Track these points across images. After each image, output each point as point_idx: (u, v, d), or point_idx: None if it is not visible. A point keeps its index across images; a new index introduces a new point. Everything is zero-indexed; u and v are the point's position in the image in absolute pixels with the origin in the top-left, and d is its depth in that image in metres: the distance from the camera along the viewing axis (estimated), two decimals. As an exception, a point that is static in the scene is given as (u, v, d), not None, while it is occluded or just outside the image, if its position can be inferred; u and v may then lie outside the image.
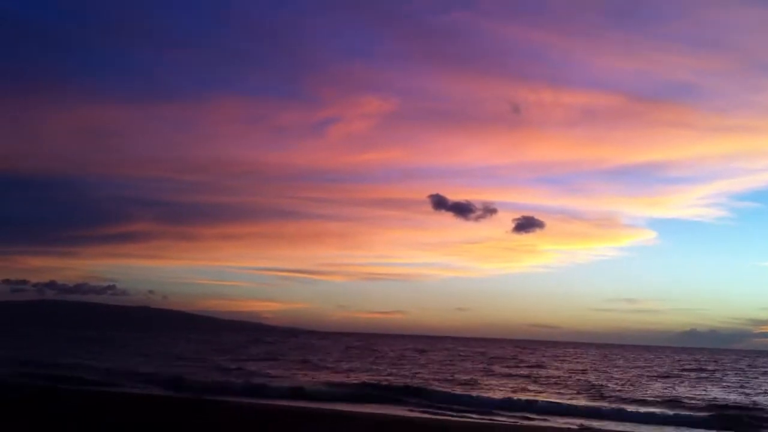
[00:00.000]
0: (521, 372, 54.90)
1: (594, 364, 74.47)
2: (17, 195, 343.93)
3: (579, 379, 49.09)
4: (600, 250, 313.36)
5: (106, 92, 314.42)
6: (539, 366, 63.61)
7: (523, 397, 35.51)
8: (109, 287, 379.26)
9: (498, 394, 36.67)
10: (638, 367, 72.27)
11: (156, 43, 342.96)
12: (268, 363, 55.67)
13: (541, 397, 35.81)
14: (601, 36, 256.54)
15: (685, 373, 63.33)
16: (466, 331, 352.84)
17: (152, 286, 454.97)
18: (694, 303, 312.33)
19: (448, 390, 37.83)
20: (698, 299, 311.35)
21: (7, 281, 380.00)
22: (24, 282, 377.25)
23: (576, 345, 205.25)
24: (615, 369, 65.49)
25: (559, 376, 50.91)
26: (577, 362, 76.16)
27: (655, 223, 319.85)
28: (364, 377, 44.10)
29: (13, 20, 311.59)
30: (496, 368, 58.67)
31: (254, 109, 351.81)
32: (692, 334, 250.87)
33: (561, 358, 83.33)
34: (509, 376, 50.66)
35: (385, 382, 40.57)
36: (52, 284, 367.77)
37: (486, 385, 42.63)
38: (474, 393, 36.72)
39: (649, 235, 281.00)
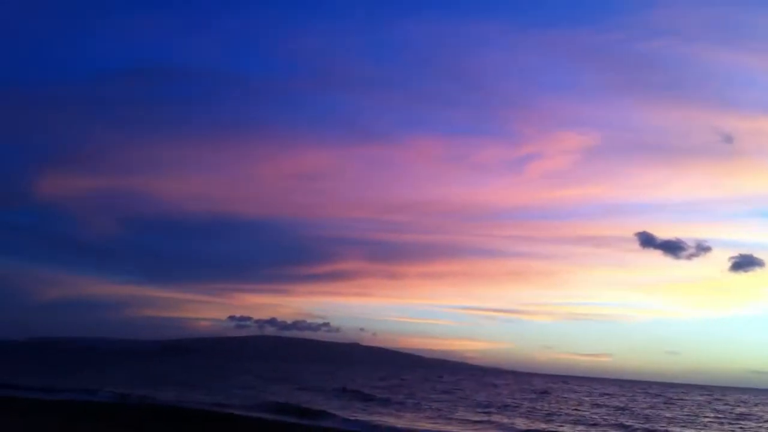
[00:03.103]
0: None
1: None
2: (239, 236, 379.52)
3: None
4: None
5: (313, 137, 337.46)
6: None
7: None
8: (324, 324, 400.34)
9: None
10: None
11: (357, 88, 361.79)
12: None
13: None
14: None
15: None
16: (677, 376, 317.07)
17: (361, 324, 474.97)
18: None
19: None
20: None
21: (232, 317, 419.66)
22: (248, 318, 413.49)
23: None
24: None
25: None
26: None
27: None
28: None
29: (227, 75, 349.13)
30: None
31: (453, 148, 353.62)
32: None
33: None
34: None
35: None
36: (272, 321, 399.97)
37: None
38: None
39: None
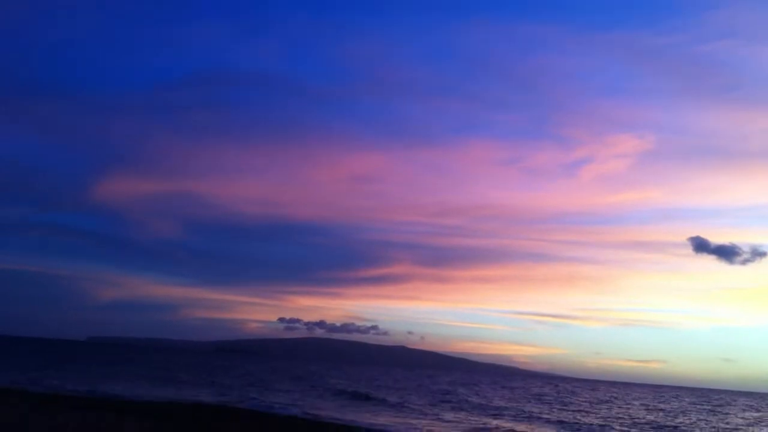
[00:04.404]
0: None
1: None
2: (292, 239, 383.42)
3: None
4: None
5: (368, 142, 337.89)
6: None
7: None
8: (372, 327, 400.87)
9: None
10: None
11: (412, 92, 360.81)
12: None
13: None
14: None
15: None
16: (734, 383, 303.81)
17: (410, 327, 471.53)
18: None
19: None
20: None
21: (282, 319, 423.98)
22: (297, 320, 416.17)
23: None
24: None
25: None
26: None
27: None
28: None
29: (284, 80, 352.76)
30: None
31: (506, 152, 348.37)
32: None
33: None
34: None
35: None
36: (321, 323, 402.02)
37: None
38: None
39: None
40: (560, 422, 41.20)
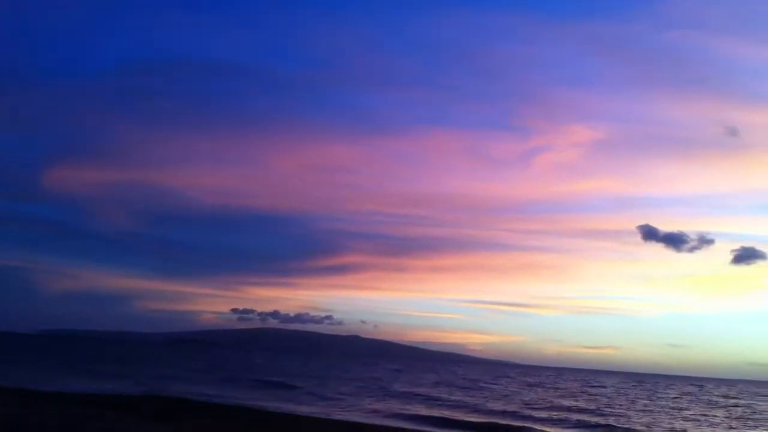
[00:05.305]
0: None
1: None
2: (251, 230, 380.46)
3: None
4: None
5: (330, 131, 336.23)
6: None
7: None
8: (327, 317, 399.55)
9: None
10: None
11: (374, 82, 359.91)
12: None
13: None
14: None
15: None
16: (681, 369, 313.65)
17: (365, 317, 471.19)
18: None
19: None
20: None
21: (235, 310, 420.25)
22: (251, 311, 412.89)
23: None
24: None
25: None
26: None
27: None
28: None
29: (248, 71, 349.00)
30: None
31: (468, 141, 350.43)
32: None
33: None
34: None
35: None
36: (275, 314, 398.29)
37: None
38: None
39: None
40: (458, 406, 41.80)
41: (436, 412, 36.62)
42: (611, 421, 37.02)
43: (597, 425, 34.96)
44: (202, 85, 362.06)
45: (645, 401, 59.12)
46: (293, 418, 29.59)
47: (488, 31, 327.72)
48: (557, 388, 73.90)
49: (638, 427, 34.37)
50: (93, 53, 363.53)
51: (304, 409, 34.19)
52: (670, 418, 41.71)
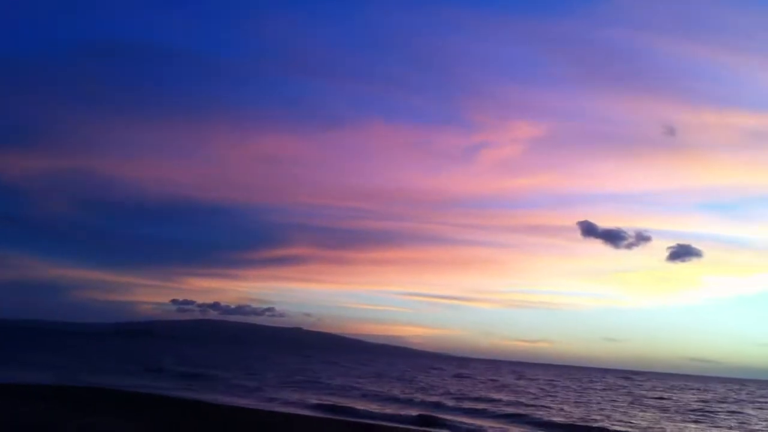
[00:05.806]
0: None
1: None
2: (192, 221, 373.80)
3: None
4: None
5: (276, 122, 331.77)
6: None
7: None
8: (268, 309, 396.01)
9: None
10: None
11: (322, 73, 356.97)
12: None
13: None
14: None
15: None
16: (616, 362, 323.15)
17: (307, 309, 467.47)
18: None
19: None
20: None
21: (175, 301, 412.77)
22: (191, 302, 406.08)
23: (740, 381, 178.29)
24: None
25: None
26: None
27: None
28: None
29: (193, 57, 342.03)
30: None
31: (413, 135, 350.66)
32: None
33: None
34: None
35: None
36: (215, 305, 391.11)
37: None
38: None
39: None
40: (375, 395, 42.17)
41: (343, 401, 36.91)
42: (527, 411, 37.80)
43: (512, 415, 35.58)
44: (144, 70, 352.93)
45: (569, 393, 60.43)
46: (193, 402, 30.07)
47: (436, 26, 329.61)
48: (486, 381, 74.95)
49: (551, 417, 35.08)
50: (29, 36, 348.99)
51: (207, 397, 34.33)
52: (586, 408, 42.79)
